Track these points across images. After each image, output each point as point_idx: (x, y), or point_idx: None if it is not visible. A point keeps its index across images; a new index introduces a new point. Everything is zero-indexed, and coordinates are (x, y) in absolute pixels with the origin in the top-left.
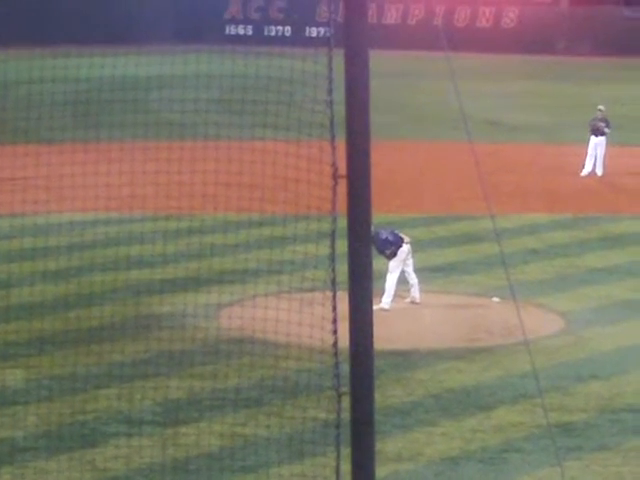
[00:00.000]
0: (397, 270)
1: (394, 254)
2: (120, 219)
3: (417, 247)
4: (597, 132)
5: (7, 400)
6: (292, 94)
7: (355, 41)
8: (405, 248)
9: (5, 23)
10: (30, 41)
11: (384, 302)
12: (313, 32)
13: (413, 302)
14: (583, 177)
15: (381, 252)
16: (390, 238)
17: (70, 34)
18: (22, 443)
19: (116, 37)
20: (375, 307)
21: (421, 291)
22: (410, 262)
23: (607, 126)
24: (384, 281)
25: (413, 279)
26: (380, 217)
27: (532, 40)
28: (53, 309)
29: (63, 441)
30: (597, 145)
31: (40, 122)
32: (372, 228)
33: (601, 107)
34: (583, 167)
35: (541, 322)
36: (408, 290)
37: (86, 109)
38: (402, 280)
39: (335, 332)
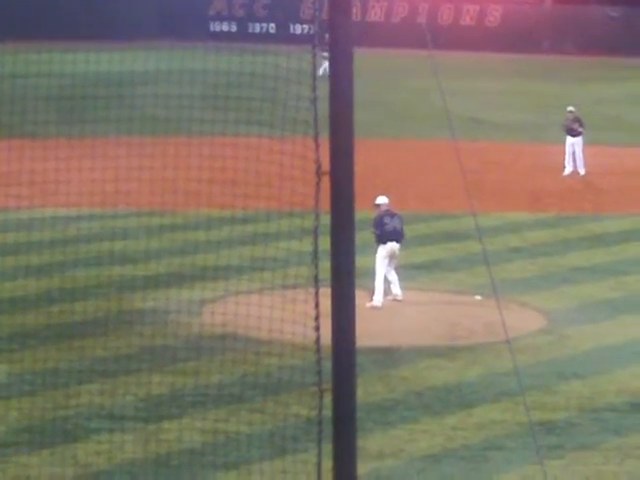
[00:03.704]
0: (382, 267)
1: (377, 239)
2: (103, 215)
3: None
4: (572, 132)
5: None
6: (276, 91)
7: (339, 39)
8: (391, 247)
9: None
10: (15, 36)
11: (375, 300)
12: (297, 29)
13: (395, 299)
14: (565, 177)
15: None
16: (387, 228)
17: (55, 29)
18: (4, 438)
19: (101, 33)
20: (368, 305)
21: (404, 288)
22: (395, 261)
23: (581, 125)
24: (372, 279)
25: (393, 276)
26: (363, 214)
27: (516, 39)
28: (36, 304)
29: (45, 436)
30: (574, 144)
31: (24, 117)
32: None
33: (571, 108)
34: (564, 168)
35: (523, 320)
36: (389, 287)
37: (70, 104)
38: (384, 278)
39: (317, 329)
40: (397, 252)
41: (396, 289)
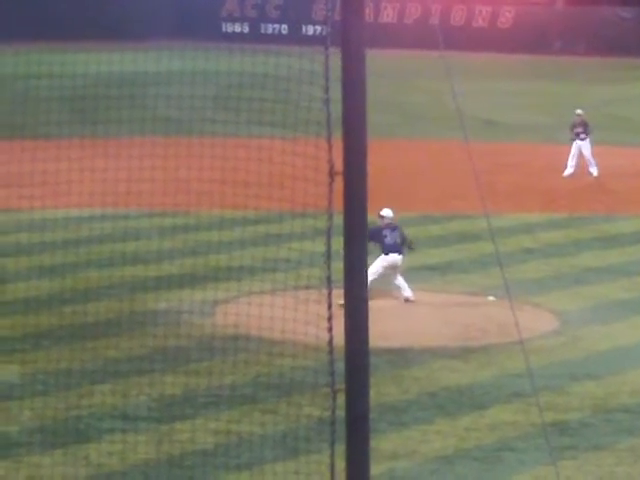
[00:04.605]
0: (375, 269)
1: (380, 249)
2: (116, 215)
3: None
4: (578, 136)
5: (2, 395)
6: (288, 92)
7: (352, 40)
8: (393, 258)
9: (3, 19)
10: (28, 37)
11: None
12: (309, 30)
13: (407, 300)
14: (566, 177)
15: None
16: (388, 241)
17: (67, 30)
18: (17, 438)
19: (112, 33)
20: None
21: (416, 289)
22: (398, 269)
23: (585, 131)
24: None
25: (400, 281)
26: (375, 215)
27: (528, 40)
28: (49, 304)
29: (58, 436)
30: (580, 147)
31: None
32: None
33: (579, 111)
34: (565, 167)
35: (536, 321)
36: (400, 292)
37: (83, 105)
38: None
39: (330, 329)
40: (399, 263)
41: (407, 292)
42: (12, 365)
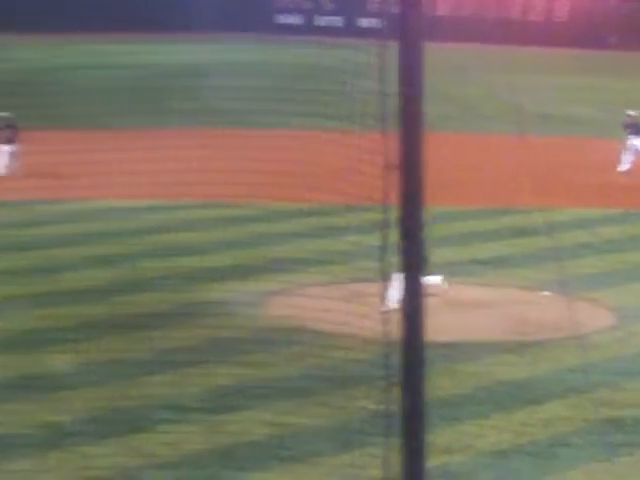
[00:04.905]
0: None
1: None
2: (172, 206)
3: (466, 240)
4: (633, 135)
5: (56, 385)
6: (343, 84)
7: (409, 32)
8: None
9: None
10: (90, 28)
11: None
12: (364, 23)
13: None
14: (621, 173)
15: None
16: None
17: (126, 22)
18: (69, 428)
19: (169, 26)
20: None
21: (470, 284)
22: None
23: (635, 132)
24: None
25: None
26: (429, 209)
27: (584, 34)
28: (103, 295)
29: (110, 426)
30: (636, 144)
31: (96, 108)
32: None
33: (630, 112)
34: (619, 163)
35: (592, 317)
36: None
37: (141, 96)
38: (450, 272)
39: (385, 322)
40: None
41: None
42: (66, 355)
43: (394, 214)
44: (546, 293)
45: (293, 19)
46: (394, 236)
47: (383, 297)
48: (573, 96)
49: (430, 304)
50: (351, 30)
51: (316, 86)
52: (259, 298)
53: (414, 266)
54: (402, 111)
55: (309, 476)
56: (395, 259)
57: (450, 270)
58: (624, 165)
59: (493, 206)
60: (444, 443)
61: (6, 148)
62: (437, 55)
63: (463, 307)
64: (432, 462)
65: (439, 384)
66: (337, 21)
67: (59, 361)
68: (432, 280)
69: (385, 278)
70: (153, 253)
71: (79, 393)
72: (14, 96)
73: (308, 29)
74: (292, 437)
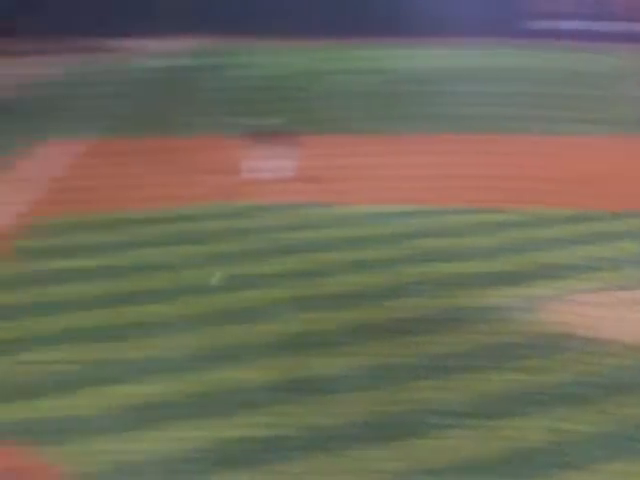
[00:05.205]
0: None
1: None
2: (435, 211)
3: None
4: None
5: (323, 388)
6: (602, 88)
7: None
8: None
9: (319, 17)
10: (334, 33)
11: None
12: (605, 27)
13: None
14: None
15: None
16: None
17: (375, 28)
18: (339, 431)
19: (412, 30)
20: None
21: None
22: None
23: None
24: None
25: None
26: None
27: None
28: (368, 299)
29: (379, 430)
30: None
31: (345, 112)
32: None
33: None
34: None
35: None
36: None
37: (389, 101)
38: None
39: None
40: None
41: None
42: (332, 359)
43: None
44: None
45: (543, 24)
46: None
47: None
48: None
49: None
50: (597, 34)
51: (578, 91)
52: (530, 304)
53: None
54: None
55: None
56: None
57: None
58: None
59: None
60: None
61: (276, 152)
62: None
63: None
64: None
65: None
66: (585, 25)
67: (326, 364)
68: None
69: None
70: (413, 258)
71: (346, 397)
72: (285, 101)
73: (557, 34)
74: (569, 444)
